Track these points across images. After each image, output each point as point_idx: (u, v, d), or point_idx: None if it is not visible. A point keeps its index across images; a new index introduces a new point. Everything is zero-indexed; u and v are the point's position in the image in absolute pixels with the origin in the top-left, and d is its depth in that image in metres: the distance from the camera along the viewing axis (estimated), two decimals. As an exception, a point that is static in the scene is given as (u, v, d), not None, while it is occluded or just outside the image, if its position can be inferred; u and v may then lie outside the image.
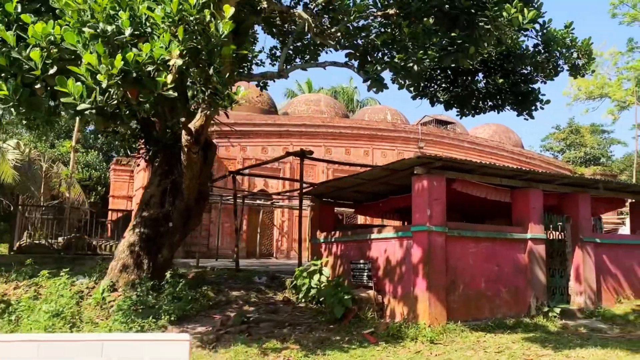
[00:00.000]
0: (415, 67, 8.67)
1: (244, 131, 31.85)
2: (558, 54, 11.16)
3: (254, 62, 13.85)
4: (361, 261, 9.44)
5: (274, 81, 13.61)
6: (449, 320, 8.15)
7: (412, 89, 12.18)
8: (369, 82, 9.44)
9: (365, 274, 9.19)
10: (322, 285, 9.71)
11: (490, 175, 9.29)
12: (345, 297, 8.52)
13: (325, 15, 10.30)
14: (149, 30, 6.02)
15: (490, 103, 11.86)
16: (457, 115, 12.64)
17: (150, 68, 5.72)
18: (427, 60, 8.64)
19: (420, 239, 8.31)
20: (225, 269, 14.83)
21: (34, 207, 22.21)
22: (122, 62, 5.36)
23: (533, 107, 12.13)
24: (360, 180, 10.23)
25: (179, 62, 5.61)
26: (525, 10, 8.28)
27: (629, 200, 11.62)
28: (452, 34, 8.55)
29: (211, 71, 6.32)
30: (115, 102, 5.67)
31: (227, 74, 8.31)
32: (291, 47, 13.50)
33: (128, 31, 5.71)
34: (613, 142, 57.64)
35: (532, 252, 9.29)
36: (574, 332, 8.50)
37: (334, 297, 8.57)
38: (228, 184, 29.50)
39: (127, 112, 6.30)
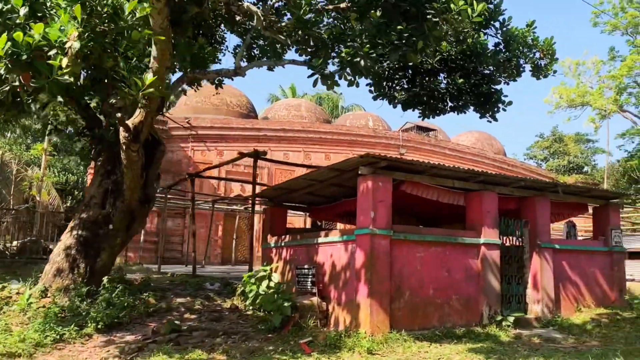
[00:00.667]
0: (362, 62, 8.22)
1: (221, 135, 31.35)
2: (519, 53, 10.80)
3: (216, 60, 13.35)
4: (305, 266, 8.93)
5: (232, 79, 13.07)
6: (392, 329, 7.65)
7: (373, 88, 11.81)
8: (316, 78, 9.00)
9: (309, 279, 8.68)
10: (270, 292, 9.19)
11: (442, 177, 8.84)
12: (285, 304, 8.01)
13: (274, 8, 9.87)
14: (52, 11, 5.54)
15: (451, 104, 11.45)
16: (419, 117, 12.23)
17: (52, 52, 5.22)
18: (374, 55, 8.21)
19: (363, 242, 7.83)
20: (184, 275, 14.27)
21: (2, 211, 21.56)
22: (10, 44, 4.86)
23: (495, 109, 11.77)
24: (309, 181, 9.75)
25: (76, 44, 5.11)
26: (475, 3, 7.86)
27: (593, 206, 11.22)
28: (400, 27, 8.10)
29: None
30: (8, 87, 5.17)
31: (159, 66, 7.88)
32: (254, 45, 13.06)
33: (23, 10, 5.21)
34: (597, 151, 57.63)
35: (486, 258, 8.83)
36: (526, 343, 8.03)
37: (273, 305, 8.06)
38: (204, 189, 28.96)
39: (29, 100, 5.80)
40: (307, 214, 12.66)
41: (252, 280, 9.66)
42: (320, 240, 9.03)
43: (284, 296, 8.17)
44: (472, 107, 11.82)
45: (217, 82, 12.35)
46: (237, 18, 11.46)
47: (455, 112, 11.70)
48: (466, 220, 9.23)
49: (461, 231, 8.93)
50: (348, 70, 8.94)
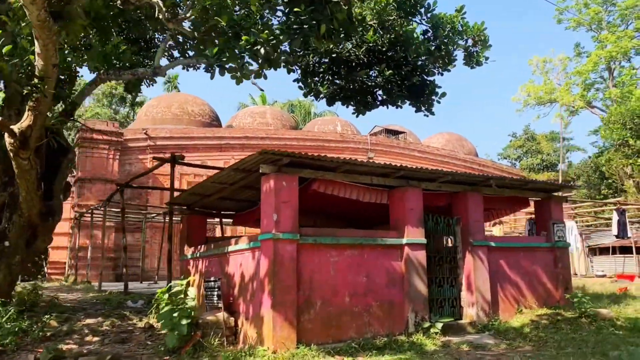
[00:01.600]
0: (263, 51, 7.51)
1: (180, 145, 30.40)
2: (448, 41, 10.18)
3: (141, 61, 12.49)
4: (212, 279, 8.11)
5: (151, 81, 12.26)
6: (301, 344, 6.86)
7: (302, 85, 11.11)
8: (218, 71, 8.26)
9: (215, 293, 7.85)
10: (167, 309, 8.37)
11: (359, 173, 8.11)
12: (183, 322, 7.19)
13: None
14: None
15: (382, 97, 10.79)
16: (353, 113, 11.55)
17: None
18: (274, 41, 7.49)
19: (266, 249, 7.05)
20: (117, 293, 13.38)
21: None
22: None
23: (430, 102, 11.14)
24: (219, 185, 8.96)
25: None
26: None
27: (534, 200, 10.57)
28: (297, 10, 7.39)
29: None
30: None
31: (45, 63, 7.09)
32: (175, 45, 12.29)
33: None
34: (572, 148, 57.59)
35: (410, 260, 8.09)
36: (452, 351, 7.28)
37: (169, 323, 7.23)
38: (151, 201, 28.06)
39: None
40: (232, 221, 11.82)
41: (166, 296, 8.84)
42: (230, 249, 8.23)
43: (183, 313, 7.35)
44: (406, 101, 11.20)
45: (132, 83, 11.47)
46: (160, 16, 10.70)
47: (388, 105, 11.05)
48: (390, 220, 8.50)
49: (382, 231, 8.18)
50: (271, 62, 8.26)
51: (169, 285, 8.82)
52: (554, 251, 10.01)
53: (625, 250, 28.00)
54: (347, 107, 11.18)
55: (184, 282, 8.75)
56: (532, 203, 11.11)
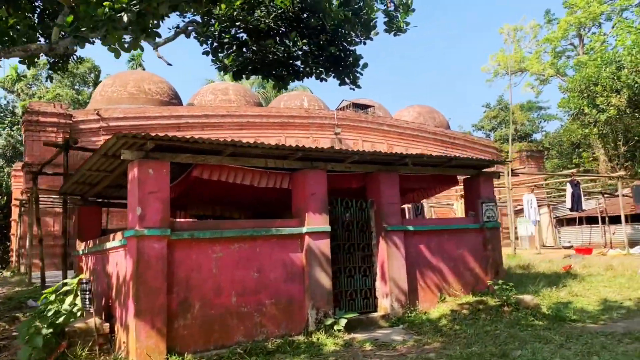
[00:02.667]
0: (126, 18, 6.50)
1: (136, 125, 29.16)
2: (366, 6, 9.21)
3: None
4: (84, 279, 7.22)
5: (63, 59, 11.18)
6: (173, 353, 6.04)
7: (213, 57, 10.09)
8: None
9: (87, 296, 6.97)
10: (74, 309, 7.51)
11: (250, 156, 7.21)
12: (43, 331, 6.32)
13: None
14: None
15: (301, 69, 9.81)
16: (274, 88, 10.59)
17: None
18: (137, 6, 6.48)
19: (130, 247, 6.16)
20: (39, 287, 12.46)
21: None
22: None
23: (354, 74, 10.21)
24: (96, 172, 7.99)
25: None
26: None
27: (464, 177, 9.76)
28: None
29: None
30: None
31: None
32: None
33: None
34: (550, 118, 56.95)
35: (311, 250, 7.26)
36: (352, 352, 6.52)
37: (25, 333, 6.35)
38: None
39: None
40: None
41: (53, 297, 7.95)
42: (108, 245, 7.32)
43: (43, 321, 6.48)
44: (331, 73, 10.26)
45: (27, 61, 10.35)
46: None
47: (304, 78, 10.11)
48: (292, 207, 7.65)
49: (279, 220, 7.30)
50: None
51: (59, 284, 7.96)
52: (483, 232, 9.25)
53: (592, 220, 27.64)
54: (241, 79, 10.14)
55: (75, 280, 7.88)
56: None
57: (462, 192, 24.31)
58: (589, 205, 27.69)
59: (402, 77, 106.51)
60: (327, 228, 7.44)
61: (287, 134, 33.77)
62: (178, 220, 6.52)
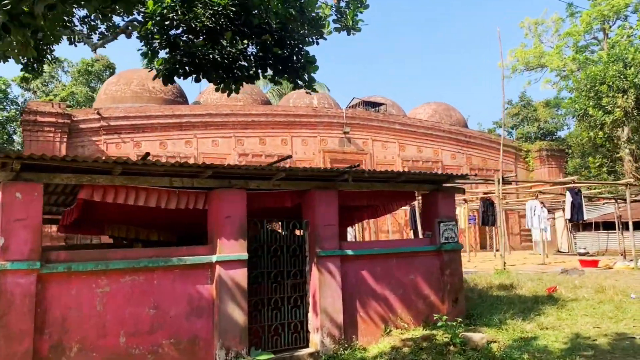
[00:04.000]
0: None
1: (136, 125, 28.79)
2: (308, 1, 8.24)
3: None
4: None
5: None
6: (39, 405, 5.26)
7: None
8: None
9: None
10: None
11: (151, 175, 6.36)
12: None
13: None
14: None
15: (236, 72, 8.88)
16: (216, 90, 9.68)
17: None
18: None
19: (-6, 282, 5.39)
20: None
21: None
22: None
23: (306, 75, 9.25)
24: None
25: None
26: None
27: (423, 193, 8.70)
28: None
29: None
30: None
31: None
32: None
33: None
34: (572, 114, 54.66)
35: (223, 282, 6.38)
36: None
37: None
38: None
39: None
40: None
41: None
42: None
43: None
44: (286, 75, 9.33)
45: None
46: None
47: (252, 81, 9.20)
48: (207, 231, 6.77)
49: (183, 248, 6.43)
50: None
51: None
52: (440, 255, 8.19)
53: (609, 226, 26.01)
54: (173, 82, 9.22)
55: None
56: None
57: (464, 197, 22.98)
58: (591, 215, 25.93)
59: (420, 74, 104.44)
60: (244, 256, 6.54)
61: (293, 134, 32.97)
62: (54, 251, 5.73)
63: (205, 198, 6.71)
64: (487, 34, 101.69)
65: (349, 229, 32.58)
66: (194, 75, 8.52)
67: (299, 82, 9.41)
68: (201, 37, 8.60)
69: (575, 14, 39.14)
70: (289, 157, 9.57)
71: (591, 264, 16.35)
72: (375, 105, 38.53)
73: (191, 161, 29.61)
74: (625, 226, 24.17)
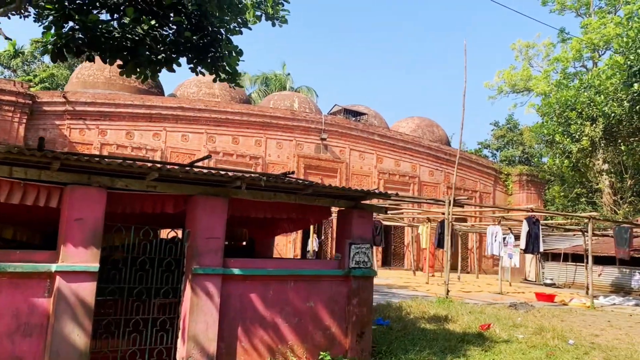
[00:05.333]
0: None
1: (103, 112, 27.66)
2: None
3: None
4: None
5: None
6: None
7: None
8: None
9: None
10: None
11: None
12: None
13: None
14: None
15: (140, 54, 7.81)
16: (121, 74, 8.61)
17: None
18: None
19: None
20: None
21: None
22: None
23: (233, 68, 8.26)
24: None
25: None
26: None
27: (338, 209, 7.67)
28: None
29: None
30: None
31: None
32: None
33: None
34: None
35: (64, 296, 5.30)
36: None
37: None
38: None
39: None
40: None
41: None
42: None
43: None
44: (198, 63, 8.32)
45: None
46: None
47: (168, 68, 8.17)
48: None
49: (17, 252, 5.35)
50: None
51: None
52: (348, 282, 7.15)
53: (578, 258, 25.15)
54: (63, 60, 8.11)
55: None
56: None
57: (429, 214, 22.02)
58: (561, 245, 25.12)
59: (408, 87, 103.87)
60: (93, 267, 5.46)
61: (268, 135, 31.99)
62: None
63: (61, 195, 5.64)
64: (479, 53, 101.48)
65: (312, 240, 31.54)
66: (87, 53, 7.53)
67: (221, 74, 8.46)
68: (102, 12, 7.61)
69: (567, 40, 38.50)
70: (208, 157, 8.50)
71: (547, 298, 15.40)
72: (356, 114, 37.65)
73: (158, 154, 28.53)
74: (600, 260, 23.35)
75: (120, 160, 5.65)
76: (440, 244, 17.16)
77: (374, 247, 23.56)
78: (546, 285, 25.32)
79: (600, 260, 23.98)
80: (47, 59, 49.07)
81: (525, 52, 40.44)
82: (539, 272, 26.74)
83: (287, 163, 32.11)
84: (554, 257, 26.57)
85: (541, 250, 14.42)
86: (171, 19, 7.51)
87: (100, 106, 27.58)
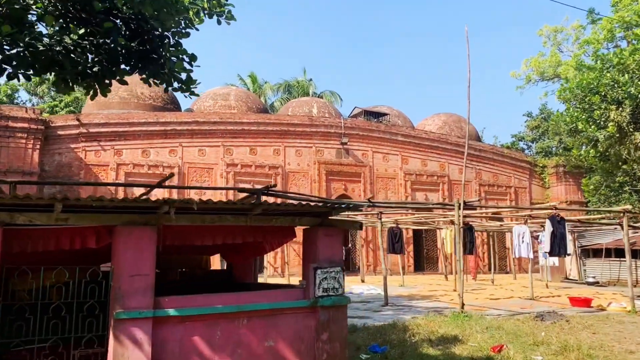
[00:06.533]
0: None
1: (117, 132, 27.44)
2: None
3: None
4: None
5: None
6: None
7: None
8: None
9: None
10: None
11: None
12: None
13: None
14: None
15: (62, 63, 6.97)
16: (86, 94, 7.88)
17: None
18: None
19: None
20: None
21: None
22: None
23: (188, 77, 7.37)
24: None
25: None
26: None
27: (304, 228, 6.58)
28: None
29: None
30: None
31: None
32: None
33: None
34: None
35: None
36: None
37: None
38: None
39: None
40: None
41: None
42: None
43: None
44: (141, 71, 7.47)
45: None
46: None
47: (110, 78, 7.35)
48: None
49: None
50: None
51: None
52: (315, 314, 6.07)
53: (622, 253, 23.19)
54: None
55: None
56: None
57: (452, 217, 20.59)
58: (604, 239, 23.29)
59: (435, 85, 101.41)
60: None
61: (286, 144, 31.20)
62: None
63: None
64: (506, 42, 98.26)
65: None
66: (9, 71, 6.74)
67: (175, 82, 7.59)
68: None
69: (597, 20, 36.20)
70: (171, 175, 7.63)
71: (582, 303, 13.86)
72: (378, 115, 36.45)
73: (175, 171, 28.04)
74: (634, 254, 21.46)
75: (17, 195, 4.77)
76: (465, 249, 15.82)
77: (400, 255, 22.33)
78: (588, 284, 23.46)
79: (647, 255, 22.07)
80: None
81: (554, 38, 38.32)
82: (580, 270, 24.85)
83: (307, 171, 31.25)
84: (596, 253, 24.67)
85: (569, 252, 12.91)
86: (103, 26, 6.63)
87: (114, 126, 27.38)
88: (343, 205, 6.15)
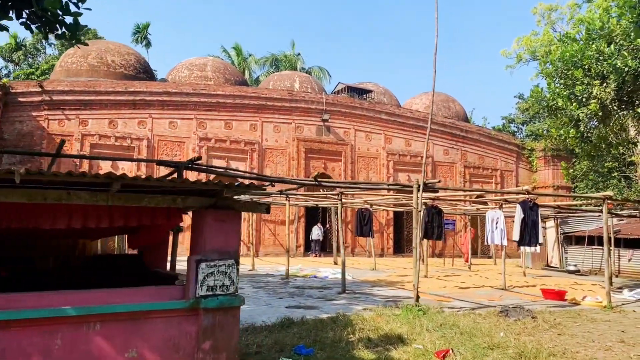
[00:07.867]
0: None
1: (83, 101, 25.88)
2: None
3: None
4: None
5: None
6: None
7: None
8: None
9: None
10: None
11: None
12: None
13: None
14: None
15: None
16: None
17: None
18: None
19: None
20: None
21: None
22: None
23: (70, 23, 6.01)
24: None
25: None
26: None
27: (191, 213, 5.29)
28: None
29: None
30: None
31: None
32: None
33: None
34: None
35: None
36: None
37: None
38: (62, 169, 24.15)
39: None
40: None
41: None
42: None
43: None
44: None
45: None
46: None
47: None
48: None
49: None
50: None
51: None
52: (197, 317, 4.82)
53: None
54: None
55: None
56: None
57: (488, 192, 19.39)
58: (587, 226, 22.27)
59: (424, 63, 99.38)
60: None
61: (264, 119, 29.74)
62: None
63: None
64: (497, 21, 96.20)
65: (316, 228, 29.24)
66: None
67: (60, 28, 6.22)
68: None
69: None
70: (62, 142, 6.32)
71: (555, 296, 12.71)
72: (362, 92, 34.94)
73: (144, 143, 26.62)
74: (629, 243, 20.44)
75: None
76: (428, 234, 14.61)
77: (369, 238, 21.15)
78: (569, 272, 22.43)
79: (631, 243, 20.96)
80: (50, 51, 47.84)
81: (548, 16, 36.72)
82: (562, 257, 23.80)
83: (285, 148, 29.90)
84: (578, 240, 23.60)
85: (540, 241, 11.69)
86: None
87: (79, 94, 25.82)
88: (237, 185, 4.83)
